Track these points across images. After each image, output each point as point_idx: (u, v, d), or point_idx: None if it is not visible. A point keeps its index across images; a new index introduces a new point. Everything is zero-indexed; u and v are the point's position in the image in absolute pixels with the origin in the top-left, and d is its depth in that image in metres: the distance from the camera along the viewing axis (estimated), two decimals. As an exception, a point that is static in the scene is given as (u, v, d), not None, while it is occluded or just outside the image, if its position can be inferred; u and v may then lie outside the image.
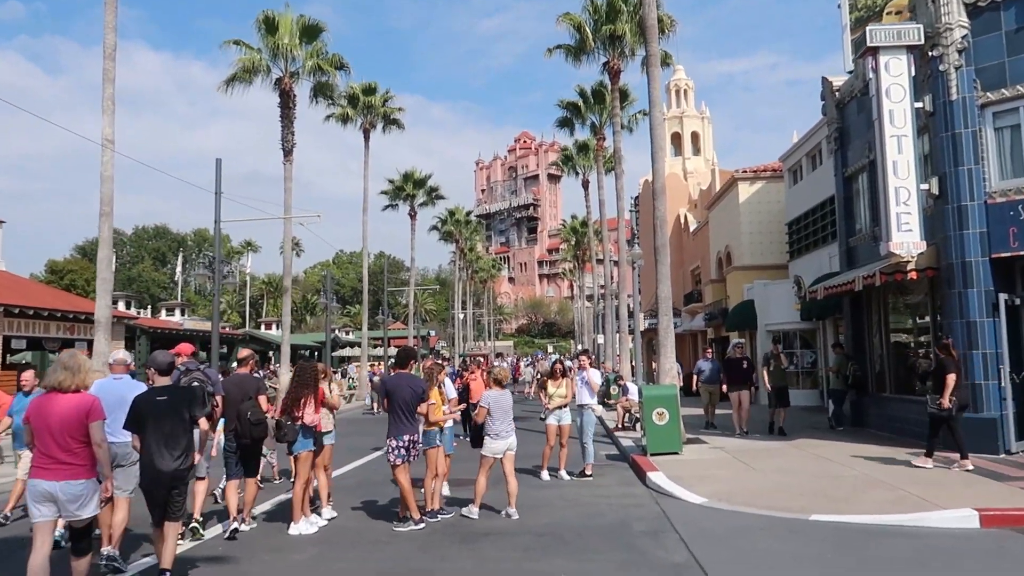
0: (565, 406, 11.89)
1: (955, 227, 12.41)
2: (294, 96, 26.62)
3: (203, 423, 6.58)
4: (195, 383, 8.32)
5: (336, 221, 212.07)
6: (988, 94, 12.31)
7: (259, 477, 9.01)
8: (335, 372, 46.72)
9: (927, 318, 14.26)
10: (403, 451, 8.37)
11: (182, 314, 43.52)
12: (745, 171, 28.99)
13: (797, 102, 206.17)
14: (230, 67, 26.04)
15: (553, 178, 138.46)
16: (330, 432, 10.35)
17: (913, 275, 12.80)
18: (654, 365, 22.73)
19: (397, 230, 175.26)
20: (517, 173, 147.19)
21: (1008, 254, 12.02)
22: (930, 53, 12.74)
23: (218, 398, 8.64)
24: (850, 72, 17.27)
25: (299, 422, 8.21)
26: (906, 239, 12.56)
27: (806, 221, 23.76)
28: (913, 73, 12.83)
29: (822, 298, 16.30)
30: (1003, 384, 11.97)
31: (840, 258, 17.60)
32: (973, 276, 12.20)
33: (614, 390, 22.72)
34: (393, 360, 9.30)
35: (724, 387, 16.90)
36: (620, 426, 18.19)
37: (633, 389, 18.70)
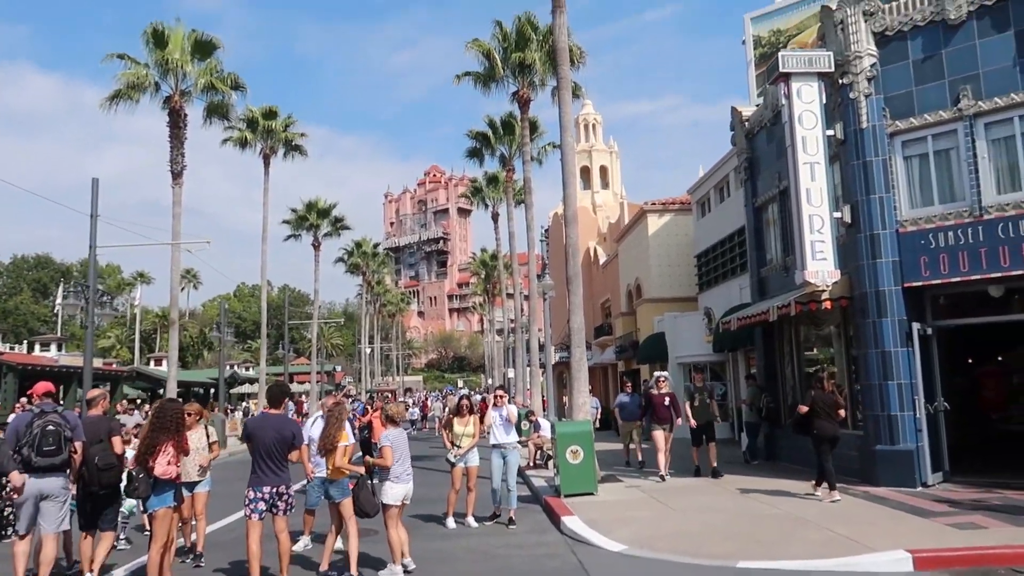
0: (473, 447, 10.89)
1: (868, 256, 12.24)
2: (184, 115, 24.90)
3: (14, 477, 5.33)
4: (49, 427, 7.29)
5: (239, 253, 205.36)
6: (897, 123, 12.28)
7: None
8: (233, 410, 43.98)
9: (839, 348, 14.06)
10: (260, 505, 7.16)
11: (59, 349, 40.12)
12: (654, 203, 29.02)
13: (699, 141, 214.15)
14: (113, 82, 24.18)
15: (463, 212, 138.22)
16: (202, 481, 9.14)
17: (828, 305, 12.55)
18: (565, 399, 21.86)
19: (302, 263, 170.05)
20: (427, 207, 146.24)
21: (920, 283, 11.91)
22: (840, 81, 12.67)
23: (77, 444, 7.59)
24: (758, 104, 17.34)
25: (152, 474, 6.93)
26: (821, 268, 12.33)
27: (715, 253, 23.77)
28: (824, 101, 12.75)
29: (735, 329, 16.01)
30: (918, 415, 11.75)
31: (752, 289, 17.43)
32: (887, 305, 12.01)
33: (525, 426, 21.85)
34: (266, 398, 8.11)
35: (640, 422, 16.14)
36: (532, 464, 17.30)
37: (545, 425, 17.90)
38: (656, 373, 15.61)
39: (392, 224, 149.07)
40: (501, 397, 11.70)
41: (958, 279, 11.54)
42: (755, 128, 16.88)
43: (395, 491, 7.98)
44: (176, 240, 23.72)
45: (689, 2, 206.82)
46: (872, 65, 12.45)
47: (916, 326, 11.91)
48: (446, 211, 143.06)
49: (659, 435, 14.36)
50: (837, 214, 12.57)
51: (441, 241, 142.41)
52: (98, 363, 37.33)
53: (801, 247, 12.46)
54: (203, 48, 24.99)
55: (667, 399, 14.56)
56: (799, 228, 12.53)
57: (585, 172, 46.09)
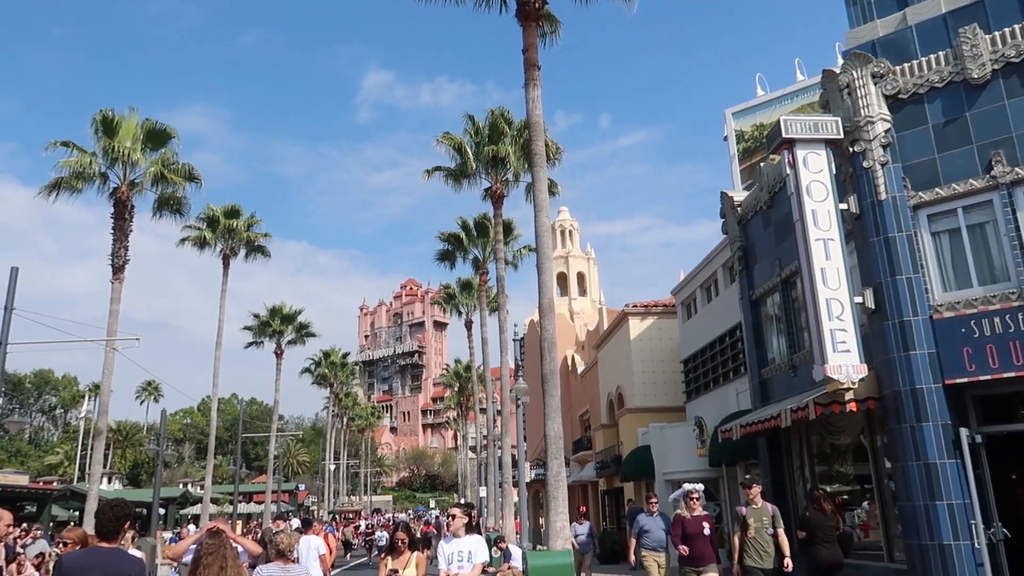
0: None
1: (899, 347, 10.31)
2: (131, 207, 23.07)
3: None
4: None
5: (207, 367, 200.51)
6: (921, 194, 10.66)
7: None
8: (178, 533, 39.86)
9: (866, 460, 11.85)
10: None
11: (-15, 466, 36.62)
12: (636, 305, 27.25)
13: (672, 261, 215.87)
14: (54, 170, 22.42)
15: (439, 325, 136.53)
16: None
17: (853, 406, 10.49)
18: (541, 522, 19.10)
19: (269, 376, 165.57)
20: (402, 320, 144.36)
21: (965, 379, 9.92)
22: (851, 149, 11.12)
23: None
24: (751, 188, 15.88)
25: None
26: (844, 361, 10.34)
27: (704, 357, 21.79)
28: (834, 171, 11.17)
29: (739, 438, 13.82)
30: (977, 545, 9.48)
31: (752, 392, 15.34)
32: (926, 407, 9.97)
33: (495, 553, 19.06)
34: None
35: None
36: (500, 602, 14.55)
37: (517, 553, 15.27)
38: (686, 486, 10.29)
39: (367, 337, 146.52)
40: (456, 518, 7.79)
41: (1012, 374, 9.57)
42: (748, 213, 15.30)
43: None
44: (110, 336, 21.35)
45: (662, 129, 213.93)
46: (887, 131, 10.95)
47: (964, 432, 9.82)
48: (422, 324, 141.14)
49: None
50: (858, 299, 10.72)
51: (416, 355, 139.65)
52: (23, 480, 34.01)
53: (819, 337, 10.51)
54: (156, 137, 23.47)
55: (705, 525, 9.84)
56: (815, 316, 10.63)
57: (562, 279, 44.61)
